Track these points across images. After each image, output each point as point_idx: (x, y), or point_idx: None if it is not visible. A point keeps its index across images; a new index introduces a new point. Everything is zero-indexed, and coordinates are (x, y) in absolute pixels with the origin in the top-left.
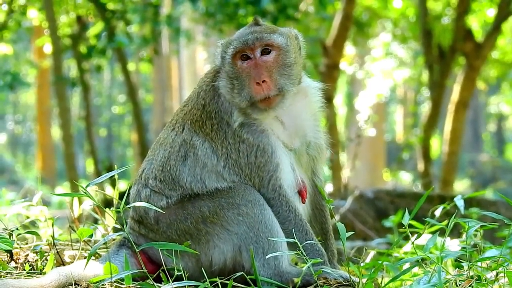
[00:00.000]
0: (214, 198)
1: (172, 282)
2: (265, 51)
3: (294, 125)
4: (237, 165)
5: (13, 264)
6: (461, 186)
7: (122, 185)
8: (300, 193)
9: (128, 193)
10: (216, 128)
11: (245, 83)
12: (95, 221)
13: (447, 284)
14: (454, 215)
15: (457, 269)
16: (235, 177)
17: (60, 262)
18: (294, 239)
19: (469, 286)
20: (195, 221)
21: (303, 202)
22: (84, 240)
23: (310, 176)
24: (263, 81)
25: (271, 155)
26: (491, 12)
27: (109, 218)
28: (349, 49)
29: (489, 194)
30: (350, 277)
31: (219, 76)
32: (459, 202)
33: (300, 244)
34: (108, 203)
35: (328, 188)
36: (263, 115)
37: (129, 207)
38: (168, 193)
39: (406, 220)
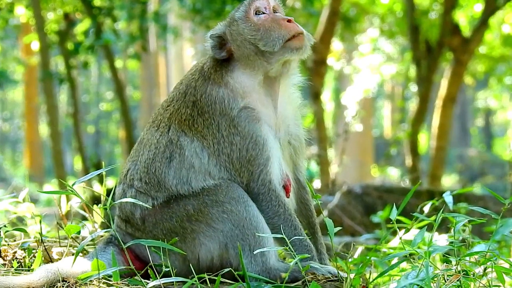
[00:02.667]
0: (198, 196)
1: (160, 278)
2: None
3: (283, 113)
4: (228, 160)
5: (1, 261)
6: (449, 181)
7: (110, 182)
8: (285, 187)
9: (114, 192)
10: (208, 123)
11: (271, 28)
12: (83, 218)
13: (435, 279)
14: (442, 210)
15: (445, 264)
16: (225, 173)
17: (48, 259)
18: (282, 234)
19: (457, 281)
20: (180, 220)
21: (288, 197)
22: (71, 237)
23: (292, 170)
24: (289, 21)
25: (262, 147)
26: (479, 7)
27: (97, 215)
28: (336, 44)
29: (477, 188)
30: (338, 272)
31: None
32: (448, 198)
33: (289, 239)
34: (96, 199)
35: (316, 183)
36: (296, 54)
37: (116, 205)
38: (154, 194)
39: (394, 215)
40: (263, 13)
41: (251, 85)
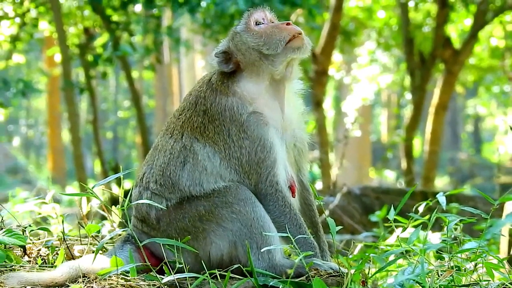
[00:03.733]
0: (209, 197)
1: (174, 274)
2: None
3: (289, 117)
4: (238, 163)
5: (26, 258)
6: (441, 182)
7: (128, 184)
8: (291, 187)
9: (131, 194)
10: (219, 130)
11: (273, 33)
12: (102, 218)
13: (430, 274)
14: (435, 210)
15: (438, 260)
16: (235, 175)
17: (70, 256)
18: (288, 233)
19: (450, 276)
20: (192, 219)
21: (293, 196)
22: (92, 236)
23: (296, 173)
24: (287, 24)
25: (270, 150)
26: (468, 22)
27: (115, 215)
28: (336, 56)
29: (467, 189)
30: (339, 268)
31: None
32: (441, 199)
33: (294, 237)
34: (114, 200)
35: (318, 185)
36: (298, 53)
37: (133, 205)
38: (168, 195)
39: (392, 215)
40: (262, 23)
41: (258, 91)
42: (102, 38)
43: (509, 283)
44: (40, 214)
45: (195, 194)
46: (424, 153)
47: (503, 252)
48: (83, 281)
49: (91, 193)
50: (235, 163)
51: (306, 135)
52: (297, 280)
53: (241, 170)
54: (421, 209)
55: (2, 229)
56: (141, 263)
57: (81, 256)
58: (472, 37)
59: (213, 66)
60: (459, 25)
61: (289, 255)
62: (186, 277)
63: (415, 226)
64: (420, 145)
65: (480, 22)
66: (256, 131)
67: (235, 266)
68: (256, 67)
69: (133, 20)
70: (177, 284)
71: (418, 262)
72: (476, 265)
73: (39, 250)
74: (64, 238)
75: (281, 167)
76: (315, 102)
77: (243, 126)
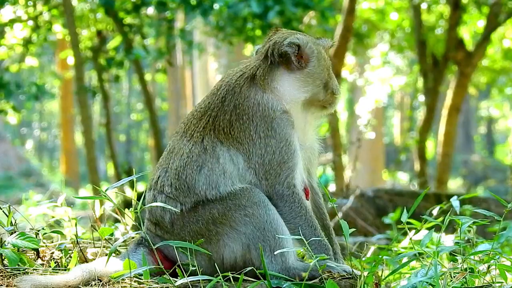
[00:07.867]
0: (223, 201)
1: (187, 277)
2: None
3: (308, 131)
4: (260, 161)
5: (39, 261)
6: (454, 184)
7: (141, 187)
8: (305, 190)
9: (145, 196)
10: (245, 126)
11: (331, 76)
12: (116, 221)
13: (443, 276)
14: (449, 212)
15: (451, 262)
16: (253, 177)
17: (83, 259)
18: (300, 236)
19: (463, 278)
20: (206, 223)
21: (307, 199)
22: (105, 239)
23: (306, 177)
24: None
25: (293, 153)
26: (481, 23)
27: (128, 218)
28: (349, 58)
29: (480, 191)
30: (352, 270)
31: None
32: (455, 203)
33: (310, 238)
34: (128, 203)
35: (332, 188)
36: (331, 108)
37: (147, 209)
38: (182, 199)
39: (405, 217)
40: None
41: (295, 98)
42: (115, 41)
43: None
44: (53, 217)
45: (210, 197)
46: (437, 155)
47: None
48: (97, 284)
49: (104, 196)
50: (256, 162)
51: (317, 144)
52: (310, 282)
53: (261, 169)
54: (435, 212)
55: (15, 232)
56: (154, 266)
57: (94, 259)
58: (485, 39)
59: (281, 52)
60: (471, 27)
61: (303, 257)
62: (199, 280)
63: (429, 228)
64: (433, 147)
65: (492, 24)
66: (285, 131)
67: (249, 268)
68: (313, 85)
69: (145, 23)
70: (191, 286)
71: (431, 264)
72: (489, 267)
73: (52, 253)
74: (77, 241)
75: (299, 170)
76: None
77: (273, 123)
